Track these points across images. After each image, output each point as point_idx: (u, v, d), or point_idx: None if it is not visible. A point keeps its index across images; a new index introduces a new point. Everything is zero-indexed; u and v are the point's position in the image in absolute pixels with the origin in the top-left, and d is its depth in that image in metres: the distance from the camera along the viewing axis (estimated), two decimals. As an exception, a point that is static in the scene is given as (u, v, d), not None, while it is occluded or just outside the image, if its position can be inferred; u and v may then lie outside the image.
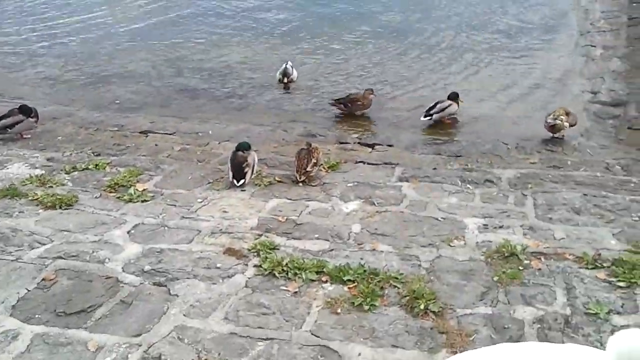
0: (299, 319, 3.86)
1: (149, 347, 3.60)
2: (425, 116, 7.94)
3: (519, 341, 3.56)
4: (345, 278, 4.22)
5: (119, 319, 3.88)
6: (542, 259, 4.44)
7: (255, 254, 4.60)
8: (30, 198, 5.60)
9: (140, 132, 7.84)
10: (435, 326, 3.75)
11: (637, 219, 5.06)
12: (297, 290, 4.14)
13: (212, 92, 9.50)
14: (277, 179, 6.11)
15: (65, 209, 5.43)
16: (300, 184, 5.94)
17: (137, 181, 6.06)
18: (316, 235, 4.91)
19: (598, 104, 8.30)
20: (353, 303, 3.97)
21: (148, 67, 10.62)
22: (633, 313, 3.82)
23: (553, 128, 7.13)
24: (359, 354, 3.54)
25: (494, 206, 5.37)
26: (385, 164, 6.55)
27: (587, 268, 4.29)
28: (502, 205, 5.40)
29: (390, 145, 7.32)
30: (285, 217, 5.23)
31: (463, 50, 10.70)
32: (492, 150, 6.99)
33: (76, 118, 8.46)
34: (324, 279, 4.25)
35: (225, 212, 5.39)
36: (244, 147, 6.16)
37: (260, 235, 4.92)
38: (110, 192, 5.82)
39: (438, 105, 7.94)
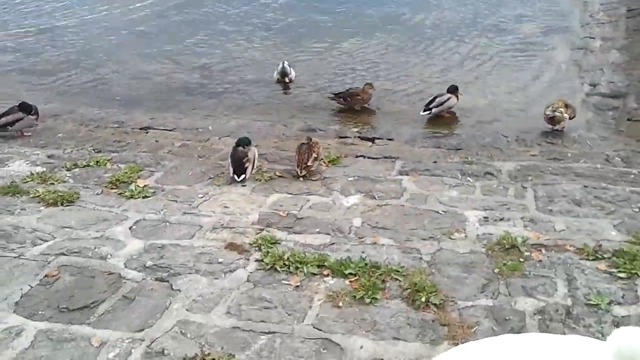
0: (300, 312, 3.87)
1: (152, 342, 3.62)
2: (424, 111, 7.94)
3: (520, 332, 3.58)
4: (346, 272, 4.23)
5: (122, 314, 3.90)
6: (543, 250, 4.45)
7: (257, 248, 4.62)
8: (31, 195, 5.62)
9: (140, 129, 7.84)
10: (437, 318, 3.76)
11: (637, 210, 5.07)
12: (298, 284, 4.16)
13: (212, 88, 9.50)
14: (277, 173, 6.12)
15: (67, 205, 5.45)
16: (301, 179, 5.95)
17: (138, 177, 6.07)
18: (317, 230, 4.93)
19: (597, 95, 8.30)
20: (354, 296, 3.98)
21: (148, 63, 10.61)
22: (634, 304, 3.83)
23: (552, 120, 7.13)
24: (361, 347, 3.55)
25: (495, 199, 5.39)
26: (386, 157, 6.56)
27: (587, 259, 4.31)
28: (503, 197, 5.41)
29: (390, 139, 7.32)
30: (286, 212, 5.24)
31: (462, 44, 10.69)
32: (492, 143, 7.00)
33: (76, 115, 8.46)
34: (325, 272, 4.27)
35: (226, 207, 5.40)
36: (244, 142, 6.17)
37: (262, 229, 4.94)
38: (112, 189, 5.83)
39: (437, 99, 7.94)
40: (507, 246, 4.49)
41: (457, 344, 3.42)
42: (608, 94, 8.29)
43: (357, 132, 7.68)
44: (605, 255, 4.32)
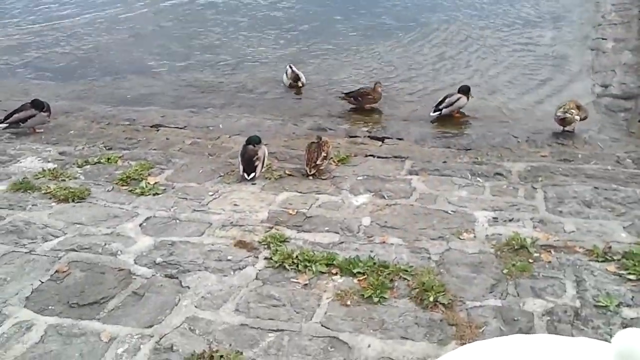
0: (309, 310, 3.88)
1: (161, 338, 3.64)
2: (434, 111, 7.94)
3: (528, 333, 3.57)
4: (355, 270, 4.24)
5: (132, 310, 3.92)
6: (552, 251, 4.44)
7: (266, 246, 4.63)
8: (43, 191, 5.66)
9: (151, 126, 7.89)
10: (445, 318, 3.76)
11: (647, 212, 5.05)
12: (307, 282, 4.17)
13: (222, 87, 9.53)
14: (287, 172, 6.14)
15: (78, 202, 5.49)
16: (311, 178, 5.96)
17: (149, 174, 6.11)
18: (326, 228, 4.94)
19: (609, 97, 8.26)
20: (363, 295, 3.99)
21: (159, 61, 10.66)
22: (643, 306, 3.82)
23: (563, 121, 7.11)
24: (369, 346, 3.56)
25: (504, 199, 5.37)
26: (395, 157, 6.56)
27: (597, 261, 4.29)
28: (512, 198, 5.40)
29: (400, 139, 7.32)
30: (295, 210, 5.25)
31: (472, 43, 10.67)
32: (502, 144, 6.99)
33: (88, 112, 8.52)
34: (334, 271, 4.28)
35: (236, 205, 5.42)
36: (254, 140, 6.18)
37: (271, 228, 4.95)
38: (122, 186, 5.87)
39: (447, 100, 7.93)
40: (516, 247, 4.48)
41: (465, 344, 3.42)
42: (620, 95, 8.25)
43: (367, 131, 7.68)
44: (614, 257, 4.31)
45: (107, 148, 6.99)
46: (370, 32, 11.51)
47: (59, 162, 6.51)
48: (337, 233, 4.86)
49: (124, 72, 10.26)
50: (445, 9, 12.49)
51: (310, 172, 5.99)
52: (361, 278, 4.18)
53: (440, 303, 3.88)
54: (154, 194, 5.67)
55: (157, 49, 11.23)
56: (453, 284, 4.09)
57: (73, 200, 5.49)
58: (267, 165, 6.19)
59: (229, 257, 4.50)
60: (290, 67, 9.32)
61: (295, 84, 9.20)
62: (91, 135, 7.49)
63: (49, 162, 6.51)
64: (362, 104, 8.41)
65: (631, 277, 4.08)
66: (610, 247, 4.42)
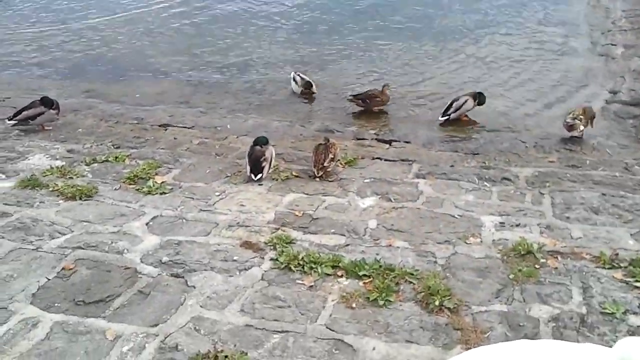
0: (314, 312, 3.88)
1: (166, 337, 3.65)
2: (442, 116, 7.92)
3: (534, 339, 3.56)
4: (360, 273, 4.24)
5: (137, 309, 3.93)
6: (559, 257, 4.42)
7: (272, 247, 4.64)
8: (50, 189, 5.68)
9: (159, 126, 7.91)
10: (450, 322, 3.76)
11: (655, 219, 5.03)
12: (312, 284, 4.17)
13: (231, 87, 9.54)
14: (294, 173, 6.15)
15: (85, 200, 5.51)
16: (318, 179, 5.97)
17: (156, 174, 6.12)
18: (332, 230, 4.94)
19: (618, 103, 8.23)
20: (368, 298, 3.99)
21: (168, 61, 10.69)
22: (650, 313, 3.81)
23: (572, 128, 7.07)
24: (374, 349, 3.56)
25: (511, 204, 5.36)
26: (402, 160, 6.56)
27: (604, 268, 4.28)
28: (520, 203, 5.38)
29: (407, 142, 7.32)
30: (301, 212, 5.26)
31: (481, 49, 10.64)
32: (510, 149, 6.96)
33: (97, 111, 8.55)
34: (339, 273, 4.28)
35: (242, 205, 5.43)
36: (261, 141, 6.19)
37: (277, 229, 4.96)
38: (130, 184, 5.89)
39: (454, 104, 7.89)
40: (522, 252, 4.46)
41: (470, 349, 3.41)
42: (629, 102, 8.22)
43: (375, 134, 7.68)
44: (621, 264, 4.29)
45: (115, 147, 7.01)
46: (379, 34, 11.50)
47: (67, 159, 6.54)
48: (344, 235, 4.86)
49: (133, 72, 10.30)
50: (455, 12, 12.48)
51: (317, 173, 5.99)
52: (367, 281, 4.18)
53: (446, 307, 3.88)
54: (161, 193, 5.68)
55: (166, 49, 11.26)
56: (459, 288, 4.09)
57: (80, 198, 5.51)
58: (274, 167, 6.19)
59: (235, 258, 4.51)
60: (299, 75, 9.15)
61: (307, 91, 8.97)
62: (99, 134, 7.52)
63: (57, 159, 6.54)
64: (370, 106, 8.39)
65: (638, 284, 4.06)
66: (617, 254, 4.40)
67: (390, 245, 4.68)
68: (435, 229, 4.93)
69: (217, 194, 5.69)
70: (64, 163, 6.40)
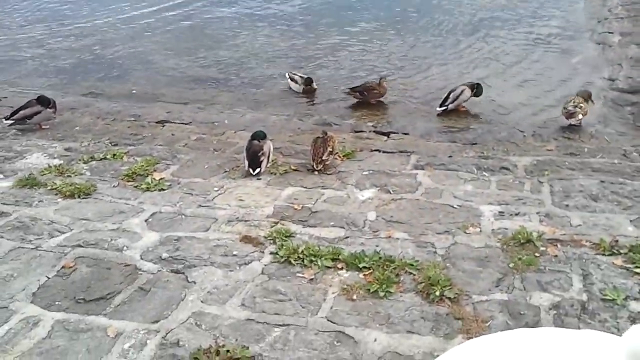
0: (315, 305, 3.88)
1: (167, 333, 3.64)
2: (440, 107, 7.91)
3: (535, 327, 3.56)
4: (360, 265, 4.23)
5: (138, 305, 3.93)
6: (559, 245, 4.42)
7: (272, 241, 4.63)
8: (49, 187, 5.68)
9: (156, 122, 7.90)
10: (451, 312, 3.75)
11: (654, 205, 5.02)
12: (313, 277, 4.17)
13: (227, 82, 9.54)
14: (292, 167, 6.14)
15: (84, 198, 5.50)
16: (316, 173, 5.96)
17: (154, 170, 6.12)
18: (332, 223, 4.93)
19: (616, 90, 8.21)
20: (369, 290, 3.98)
21: (164, 57, 10.68)
22: (650, 299, 3.81)
23: (572, 115, 7.05)
24: (375, 340, 3.55)
25: (510, 193, 5.36)
26: (401, 152, 6.55)
27: (603, 255, 4.27)
28: (518, 192, 5.38)
29: (405, 134, 7.31)
30: (300, 205, 5.25)
31: (478, 38, 10.64)
32: (508, 138, 6.96)
33: (94, 108, 8.54)
34: (339, 266, 4.27)
35: (241, 200, 5.42)
36: (259, 136, 6.18)
37: (276, 223, 4.95)
38: (128, 181, 5.88)
39: (451, 95, 7.89)
40: (522, 241, 4.46)
41: (471, 338, 3.41)
42: (626, 89, 8.20)
43: (373, 126, 7.67)
44: (621, 251, 4.28)
45: (112, 144, 7.00)
46: (376, 27, 11.50)
47: (64, 158, 6.53)
48: (343, 228, 4.85)
49: (129, 68, 10.29)
50: (451, 4, 12.46)
51: (316, 167, 5.98)
52: (367, 272, 4.17)
53: (447, 297, 3.87)
54: (159, 190, 5.68)
55: (162, 45, 11.25)
56: (459, 278, 4.08)
57: (79, 196, 5.50)
58: (272, 161, 6.18)
59: (235, 252, 4.50)
60: (295, 74, 9.07)
61: (309, 87, 8.89)
62: (97, 132, 7.51)
63: (54, 158, 6.53)
64: (367, 98, 8.39)
65: (638, 270, 4.05)
66: (617, 241, 4.39)
67: (389, 237, 4.68)
68: (435, 220, 4.92)
69: (216, 189, 5.69)
70: (61, 161, 6.40)
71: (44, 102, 7.61)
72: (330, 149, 6.08)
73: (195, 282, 4.14)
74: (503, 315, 3.71)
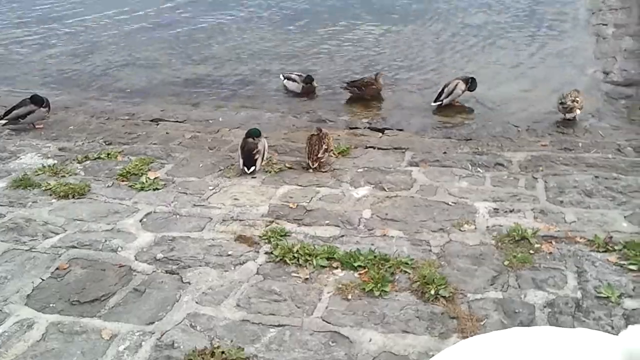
0: (310, 305, 3.88)
1: (162, 335, 3.64)
2: (435, 102, 7.91)
3: (529, 326, 3.57)
4: (355, 264, 4.23)
5: (132, 307, 3.92)
6: (553, 242, 4.43)
7: (267, 240, 4.63)
8: (43, 188, 5.65)
9: (151, 121, 7.86)
10: (446, 311, 3.76)
11: (649, 200, 5.03)
12: (308, 276, 4.17)
13: (221, 80, 9.49)
14: (287, 165, 6.13)
15: (78, 198, 5.48)
16: (311, 170, 5.95)
17: (149, 169, 6.09)
18: (327, 222, 4.93)
19: (610, 84, 8.22)
20: (364, 289, 3.98)
21: (158, 55, 10.65)
22: (644, 296, 3.81)
23: (570, 111, 7.03)
24: (370, 340, 3.56)
25: (505, 190, 5.36)
26: (396, 148, 6.54)
27: (598, 251, 4.28)
28: (513, 188, 5.38)
29: (400, 130, 7.30)
30: (295, 204, 5.25)
31: (473, 33, 10.64)
32: (503, 133, 6.95)
33: (87, 107, 8.50)
34: (334, 265, 4.27)
35: (236, 199, 5.41)
36: (254, 134, 6.16)
37: (271, 222, 4.95)
38: (122, 181, 5.86)
39: (445, 90, 7.89)
40: (517, 238, 4.47)
41: (466, 337, 3.41)
42: (620, 82, 8.21)
43: (367, 122, 7.65)
44: (616, 247, 4.29)
45: (107, 143, 6.97)
46: (371, 22, 11.48)
47: (58, 158, 6.50)
48: (338, 226, 4.85)
49: (122, 67, 10.23)
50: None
51: (312, 165, 5.96)
52: (362, 272, 4.17)
53: (442, 296, 3.88)
54: (154, 189, 5.66)
55: (155, 43, 11.20)
56: (454, 277, 4.09)
57: (73, 197, 5.48)
58: (267, 159, 6.17)
59: (230, 252, 4.50)
60: (292, 73, 8.92)
61: (309, 86, 8.68)
62: (91, 131, 7.47)
63: (48, 158, 6.51)
64: (364, 93, 8.37)
65: (632, 267, 4.07)
66: (611, 237, 4.40)
67: (384, 235, 4.68)
68: (430, 217, 4.92)
69: (211, 188, 5.67)
70: (55, 161, 6.37)
71: (38, 101, 7.57)
72: (326, 147, 6.07)
73: (190, 283, 4.14)
74: (498, 313, 3.72)
